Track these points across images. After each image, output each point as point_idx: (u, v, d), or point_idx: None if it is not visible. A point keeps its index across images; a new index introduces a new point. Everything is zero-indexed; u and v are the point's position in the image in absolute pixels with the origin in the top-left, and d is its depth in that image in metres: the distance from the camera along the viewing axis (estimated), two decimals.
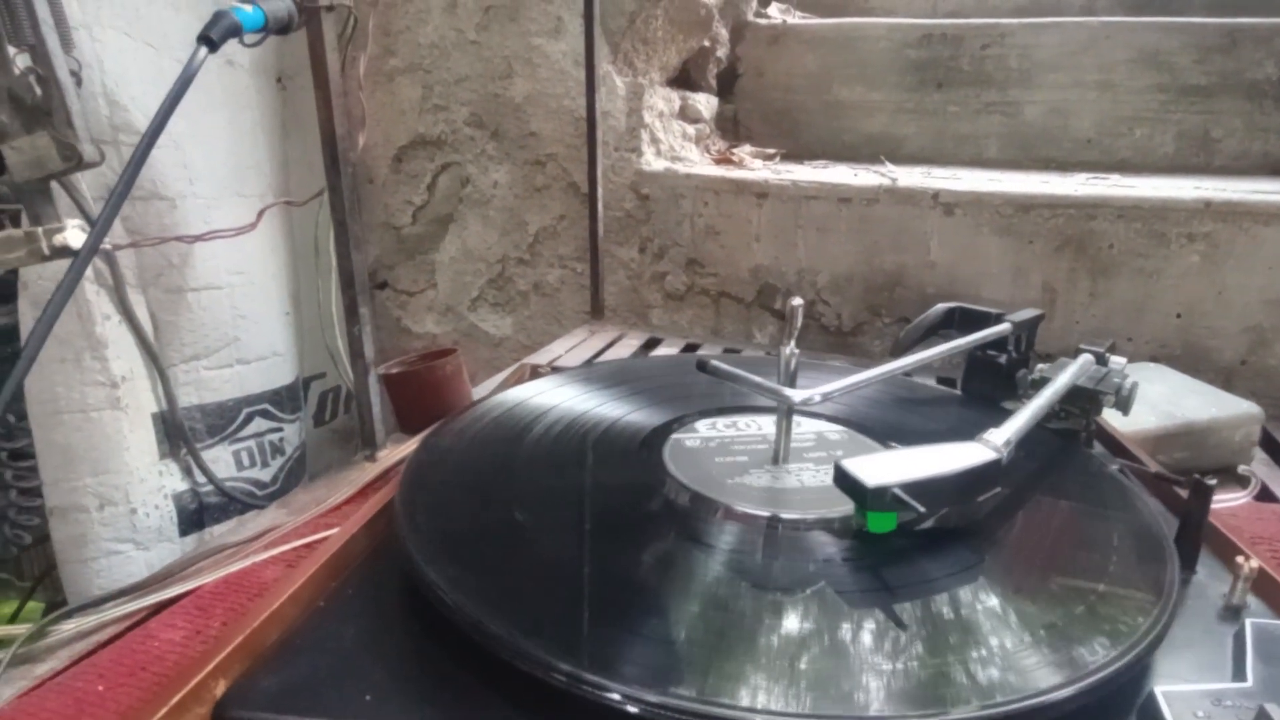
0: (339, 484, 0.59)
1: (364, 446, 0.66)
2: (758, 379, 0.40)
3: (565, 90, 1.04)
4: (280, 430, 1.00)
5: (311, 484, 0.62)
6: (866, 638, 0.30)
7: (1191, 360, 0.78)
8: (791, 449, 0.43)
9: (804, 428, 0.46)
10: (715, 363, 0.41)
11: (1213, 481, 0.39)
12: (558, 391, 0.49)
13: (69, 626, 0.44)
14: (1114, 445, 0.52)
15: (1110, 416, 0.52)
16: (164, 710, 0.25)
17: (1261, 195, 0.76)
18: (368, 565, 0.36)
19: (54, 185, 0.49)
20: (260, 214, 0.94)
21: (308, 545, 0.50)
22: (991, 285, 0.85)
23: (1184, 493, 0.46)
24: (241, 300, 0.92)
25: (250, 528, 0.54)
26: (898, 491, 0.35)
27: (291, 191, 1.01)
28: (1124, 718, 0.30)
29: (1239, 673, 0.32)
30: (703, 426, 0.46)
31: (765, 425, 0.47)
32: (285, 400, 1.00)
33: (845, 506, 0.38)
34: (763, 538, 0.37)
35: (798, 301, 0.41)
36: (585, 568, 0.33)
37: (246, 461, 0.95)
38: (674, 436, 0.44)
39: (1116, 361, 0.51)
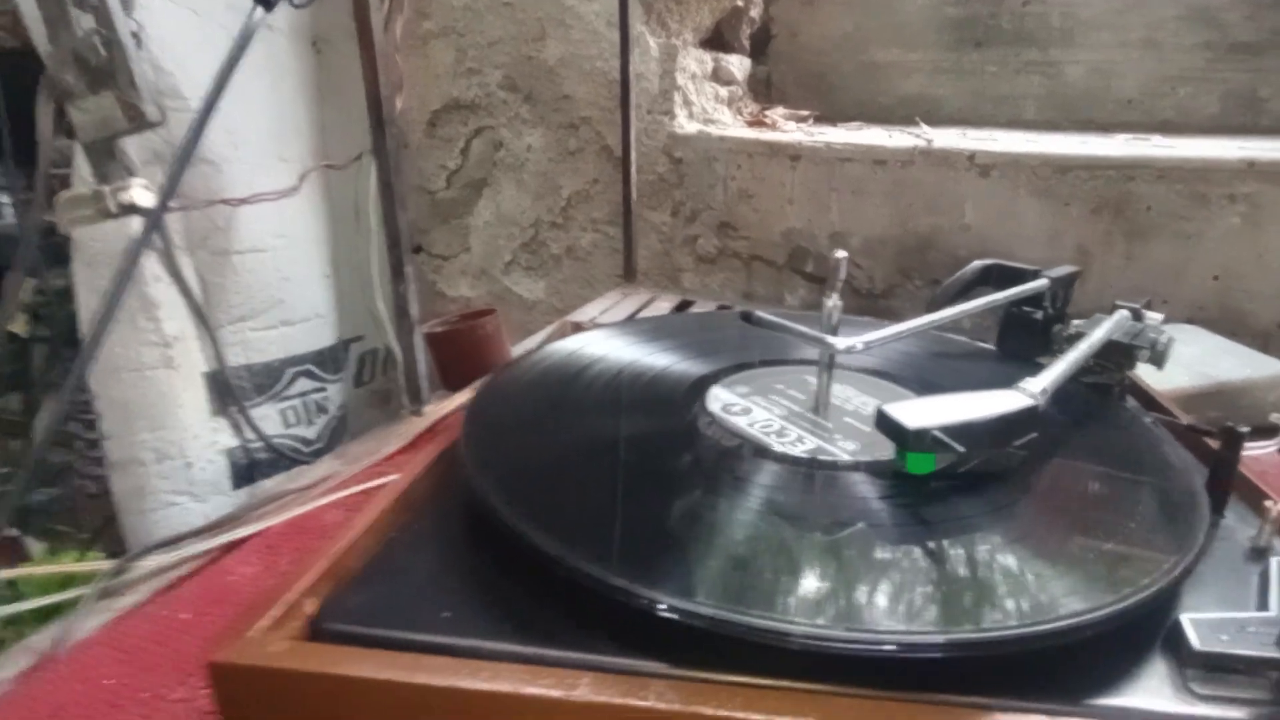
0: (389, 436, 0.61)
1: (411, 401, 0.68)
2: (802, 328, 0.41)
3: (598, 52, 1.05)
4: (324, 390, 1.03)
5: (363, 437, 0.65)
6: (906, 567, 0.32)
7: (1228, 323, 0.78)
8: (831, 398, 0.44)
9: (842, 379, 0.48)
10: (760, 314, 0.42)
11: (1245, 429, 0.40)
12: (605, 343, 0.51)
13: (149, 563, 0.47)
14: (1146, 400, 0.53)
15: (1145, 373, 0.53)
16: (265, 622, 0.28)
17: None
18: (432, 503, 0.38)
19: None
20: (303, 177, 0.97)
21: (364, 492, 0.53)
22: (1026, 248, 0.85)
23: (1214, 443, 0.47)
24: (284, 263, 0.94)
25: (309, 475, 0.57)
26: (938, 434, 0.36)
27: (329, 155, 1.03)
28: (1151, 643, 0.31)
29: (1262, 604, 0.34)
30: (745, 377, 0.47)
31: (806, 376, 0.48)
32: (328, 361, 1.03)
33: (883, 451, 0.40)
34: (801, 477, 0.39)
35: (842, 254, 0.42)
36: (636, 499, 0.35)
37: (292, 419, 0.99)
38: (717, 385, 0.46)
39: (1152, 317, 0.52)
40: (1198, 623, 0.31)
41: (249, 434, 0.90)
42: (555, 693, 0.26)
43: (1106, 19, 1.01)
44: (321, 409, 1.04)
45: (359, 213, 1.10)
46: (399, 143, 0.67)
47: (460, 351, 0.72)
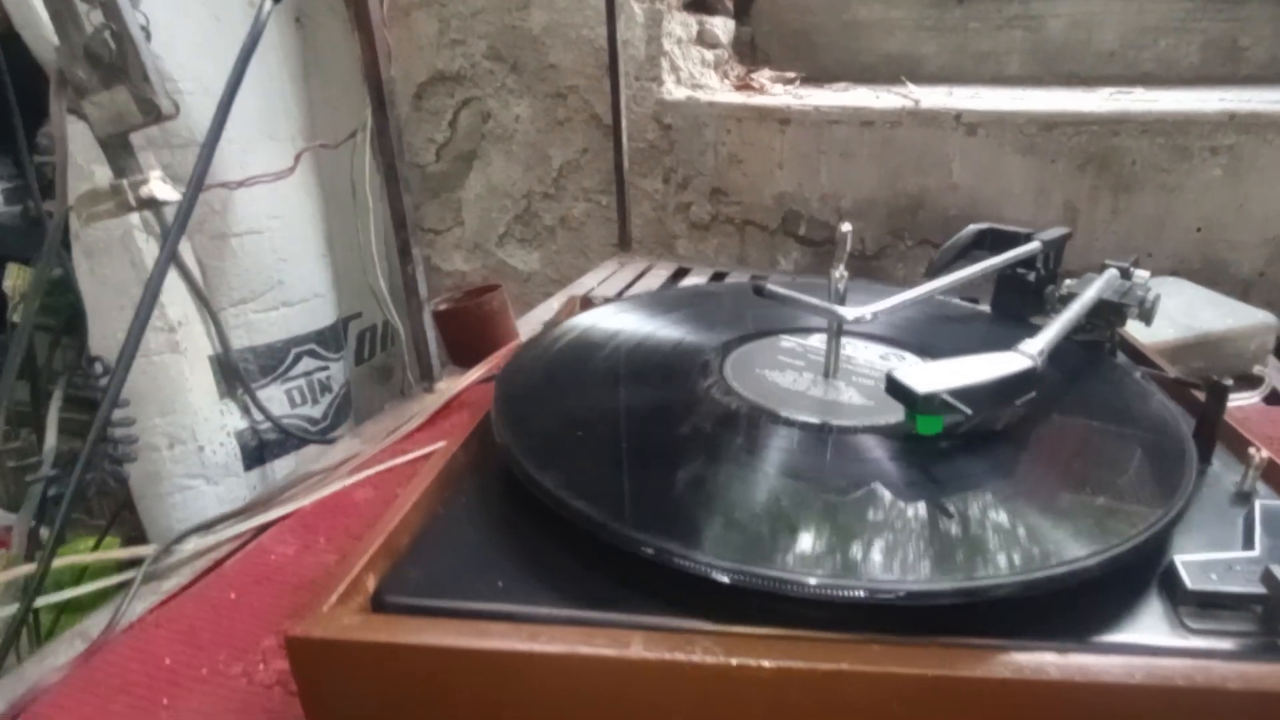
0: (406, 414, 0.63)
1: (423, 379, 0.70)
2: (813, 300, 0.43)
3: (584, 19, 1.04)
4: (327, 369, 1.04)
5: (379, 416, 0.66)
6: (918, 522, 0.34)
7: (1210, 274, 0.80)
8: (840, 365, 0.47)
9: (848, 347, 0.50)
10: (771, 286, 0.44)
11: (1229, 382, 0.42)
12: (618, 318, 0.52)
13: (188, 547, 0.49)
14: (1135, 355, 0.56)
15: (1133, 329, 0.55)
16: (333, 599, 0.30)
17: None
18: (471, 478, 0.40)
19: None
20: (298, 157, 0.96)
21: (390, 469, 0.55)
22: (1013, 206, 0.87)
23: (1200, 395, 0.50)
24: (281, 244, 0.94)
25: (331, 456, 0.59)
26: (946, 397, 0.38)
27: (317, 133, 1.02)
28: (1147, 584, 0.34)
29: (1248, 544, 0.36)
30: (757, 347, 0.49)
31: (814, 344, 0.50)
32: (329, 339, 1.04)
33: (891, 415, 0.42)
34: (818, 441, 0.41)
35: (847, 227, 0.44)
36: (667, 465, 0.37)
37: (298, 399, 1.00)
38: (731, 355, 0.48)
39: (1140, 275, 0.54)
40: (1189, 564, 0.34)
41: (257, 415, 0.91)
42: (610, 651, 0.28)
43: None
44: (326, 388, 1.05)
45: (356, 191, 1.10)
46: (400, 123, 0.67)
47: (468, 328, 0.74)
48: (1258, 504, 0.38)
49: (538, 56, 1.09)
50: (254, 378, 0.92)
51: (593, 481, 0.35)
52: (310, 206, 1.02)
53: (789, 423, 0.41)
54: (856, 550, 0.32)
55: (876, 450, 0.40)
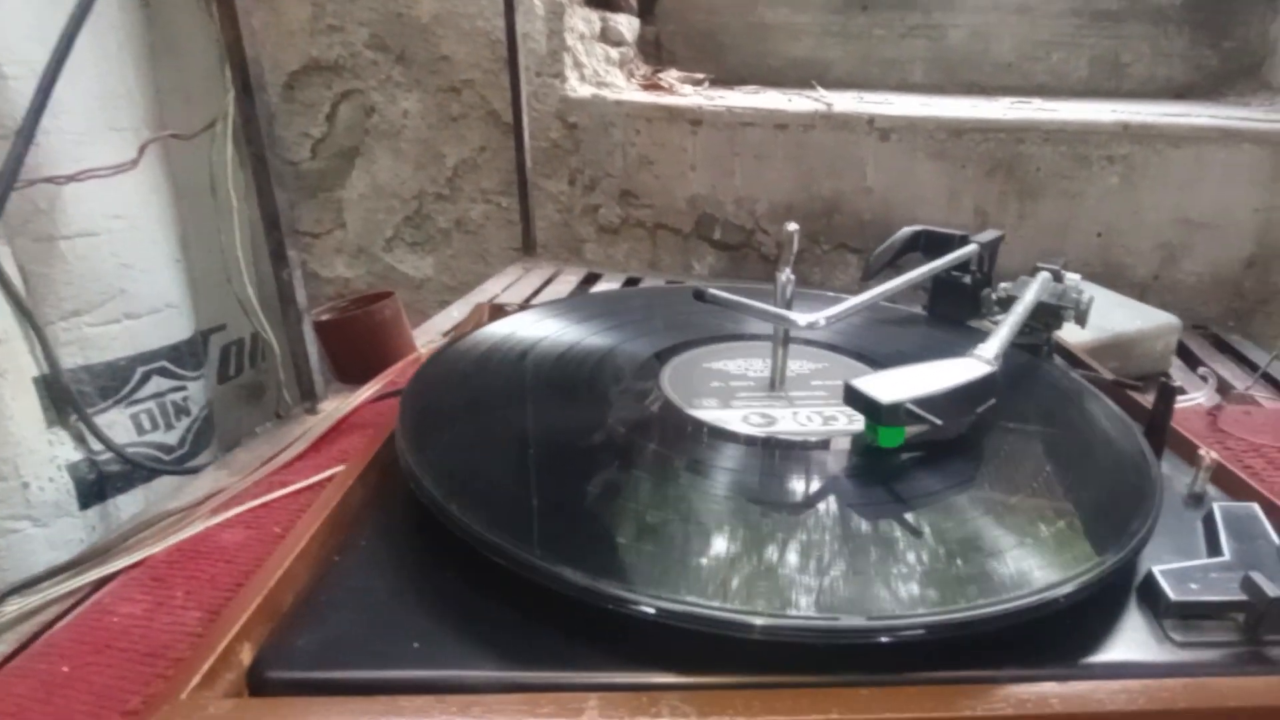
0: (283, 439, 0.54)
1: (303, 399, 0.61)
2: (762, 305, 0.39)
3: (478, 9, 0.98)
4: (183, 389, 0.92)
5: (250, 442, 0.57)
6: (879, 545, 0.31)
7: (1110, 277, 0.83)
8: (786, 374, 0.43)
9: (791, 353, 0.46)
10: (714, 291, 0.39)
11: (1177, 384, 0.41)
12: (540, 325, 0.46)
13: (10, 608, 0.39)
14: (1069, 357, 0.55)
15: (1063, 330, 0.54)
16: (196, 679, 0.23)
17: (1171, 118, 0.80)
18: (373, 515, 0.33)
19: None
20: (142, 149, 0.85)
21: (265, 506, 0.47)
22: (927, 210, 0.87)
23: (1139, 396, 0.49)
24: (124, 247, 0.83)
25: (191, 492, 0.50)
26: (911, 406, 0.35)
27: (168, 124, 0.91)
28: (1126, 596, 0.32)
29: (1214, 549, 0.35)
30: (694, 356, 0.45)
31: (755, 352, 0.46)
32: (185, 356, 0.93)
33: (846, 426, 0.39)
34: (766, 458, 0.37)
35: (793, 227, 0.40)
36: (605, 494, 0.31)
37: (148, 425, 0.88)
38: (668, 365, 0.43)
39: (1071, 278, 0.53)
40: (1167, 574, 0.33)
41: (96, 444, 0.79)
42: None
43: None
44: (182, 410, 0.93)
45: (216, 188, 0.99)
46: (270, 112, 0.59)
47: (356, 340, 0.66)
48: (1216, 507, 0.37)
49: (428, 48, 1.02)
50: (91, 401, 0.79)
51: (524, 515, 0.29)
52: (160, 205, 0.91)
53: (730, 438, 0.37)
54: (821, 582, 0.28)
55: (831, 466, 0.37)
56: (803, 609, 0.27)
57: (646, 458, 0.35)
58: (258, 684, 0.25)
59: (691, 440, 0.37)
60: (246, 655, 0.25)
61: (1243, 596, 0.31)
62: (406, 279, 1.14)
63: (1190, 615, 0.31)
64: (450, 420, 0.37)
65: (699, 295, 0.40)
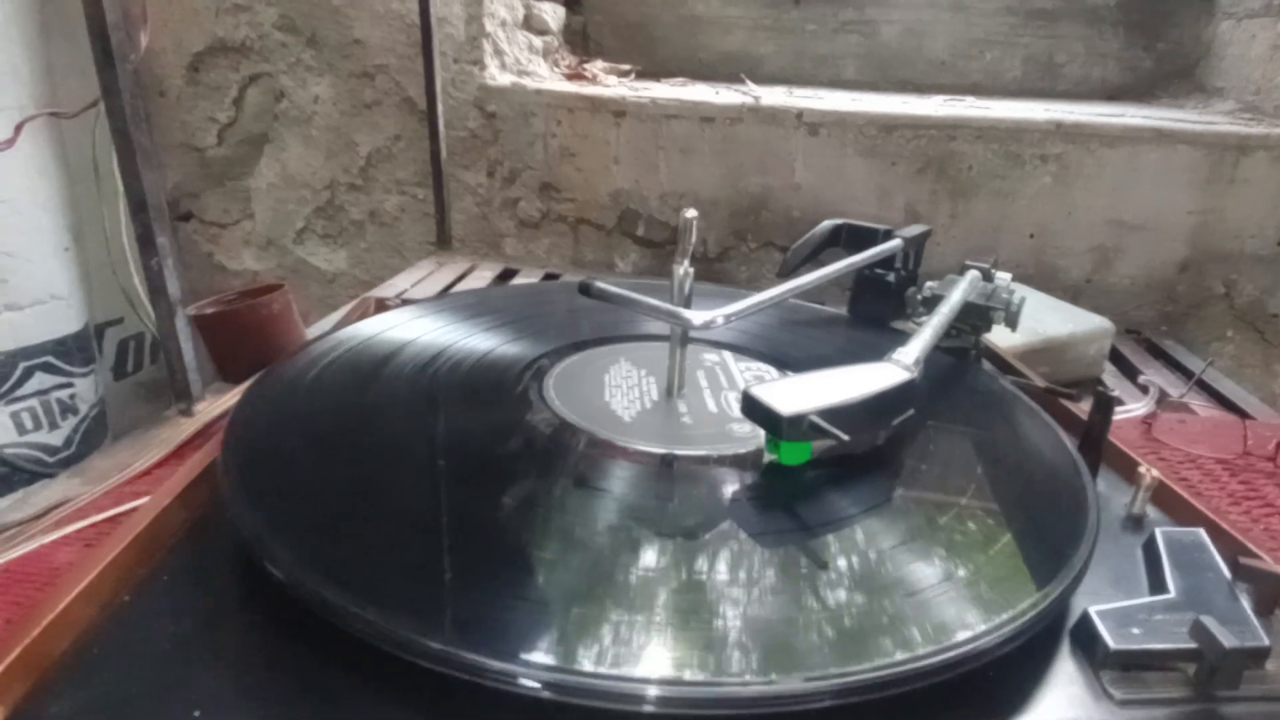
0: (147, 445, 0.48)
1: (177, 400, 0.55)
2: (653, 301, 0.34)
3: None
4: (70, 386, 0.85)
5: (113, 446, 0.50)
6: (783, 585, 0.27)
7: (1043, 279, 0.80)
8: (685, 379, 0.38)
9: (694, 355, 0.41)
10: (602, 285, 0.34)
11: (1115, 393, 0.38)
12: (413, 325, 0.41)
13: None
14: (999, 362, 0.52)
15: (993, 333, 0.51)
16: None
17: (1105, 118, 0.78)
18: (186, 545, 0.28)
19: None
20: (19, 128, 0.77)
21: (111, 520, 0.40)
22: (857, 208, 0.84)
23: (1073, 406, 0.46)
24: (4, 234, 0.77)
25: (35, 503, 0.43)
26: (815, 419, 0.31)
27: (59, 104, 0.83)
28: (1058, 642, 0.28)
29: (1157, 583, 0.32)
30: (585, 358, 0.40)
31: (652, 354, 0.41)
32: (73, 351, 0.86)
33: (747, 440, 0.34)
34: (661, 477, 0.32)
35: (691, 213, 0.35)
36: (460, 527, 0.26)
37: (29, 424, 0.82)
38: (554, 370, 0.38)
39: (1002, 278, 0.50)
40: (1105, 615, 0.29)
41: None
42: None
43: None
44: (69, 409, 0.86)
45: (100, 171, 0.91)
46: (136, 83, 0.52)
47: (239, 336, 0.59)
48: (1159, 534, 0.33)
49: (340, 30, 0.95)
50: None
51: (356, 552, 0.24)
52: (46, 190, 0.83)
53: (622, 454, 0.32)
54: (691, 631, 0.24)
55: (728, 486, 0.32)
56: (678, 672, 0.22)
57: (499, 483, 0.29)
58: None
59: (559, 459, 0.32)
60: None
61: (1192, 645, 0.27)
62: (318, 273, 1.06)
63: (1132, 665, 0.27)
64: (282, 439, 0.31)
65: (584, 289, 0.35)
